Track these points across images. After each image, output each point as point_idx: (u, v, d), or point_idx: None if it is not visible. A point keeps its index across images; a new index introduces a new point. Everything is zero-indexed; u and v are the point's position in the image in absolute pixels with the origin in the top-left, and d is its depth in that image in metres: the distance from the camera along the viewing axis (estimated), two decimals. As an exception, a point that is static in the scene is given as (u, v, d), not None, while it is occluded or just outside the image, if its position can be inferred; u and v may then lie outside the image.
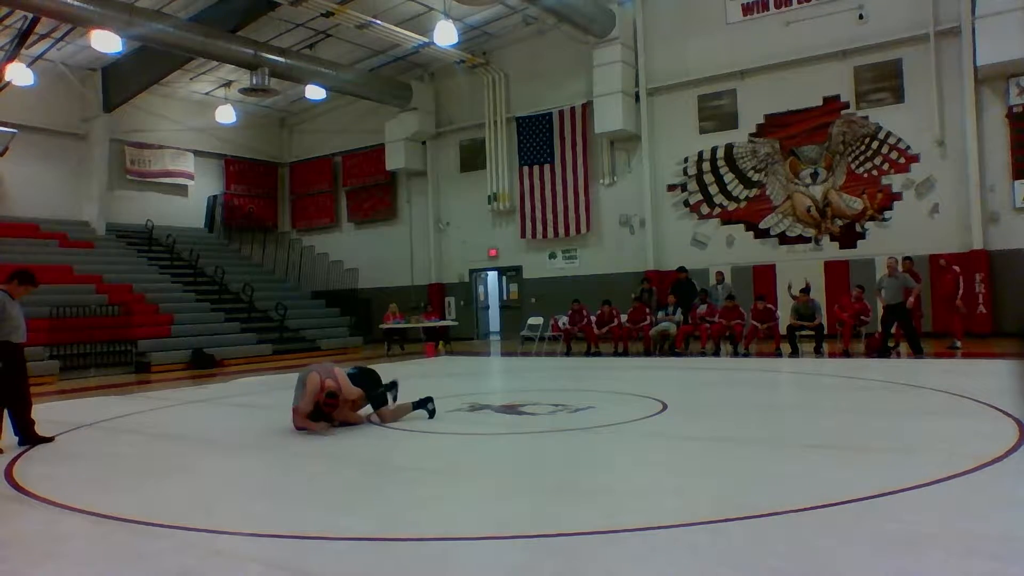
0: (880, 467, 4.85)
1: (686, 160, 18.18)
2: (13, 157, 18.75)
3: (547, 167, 19.91)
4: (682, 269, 16.33)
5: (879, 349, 12.38)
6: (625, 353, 14.88)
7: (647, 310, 15.34)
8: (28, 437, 6.90)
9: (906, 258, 12.96)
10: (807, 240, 16.75)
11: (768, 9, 16.97)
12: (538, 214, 20.09)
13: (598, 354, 15.11)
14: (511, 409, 8.18)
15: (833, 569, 3.21)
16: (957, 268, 13.08)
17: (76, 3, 14.24)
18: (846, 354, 12.60)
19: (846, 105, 16.21)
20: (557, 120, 19.68)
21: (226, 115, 22.17)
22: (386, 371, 14.22)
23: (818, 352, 13.06)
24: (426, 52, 20.09)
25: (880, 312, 13.00)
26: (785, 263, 16.47)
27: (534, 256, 20.59)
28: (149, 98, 21.22)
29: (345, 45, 19.86)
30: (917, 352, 12.03)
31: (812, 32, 16.37)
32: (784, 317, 14.01)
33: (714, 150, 17.85)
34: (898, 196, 15.73)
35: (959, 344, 12.60)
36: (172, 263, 20.43)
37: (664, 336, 14.83)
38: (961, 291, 12.80)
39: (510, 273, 21.52)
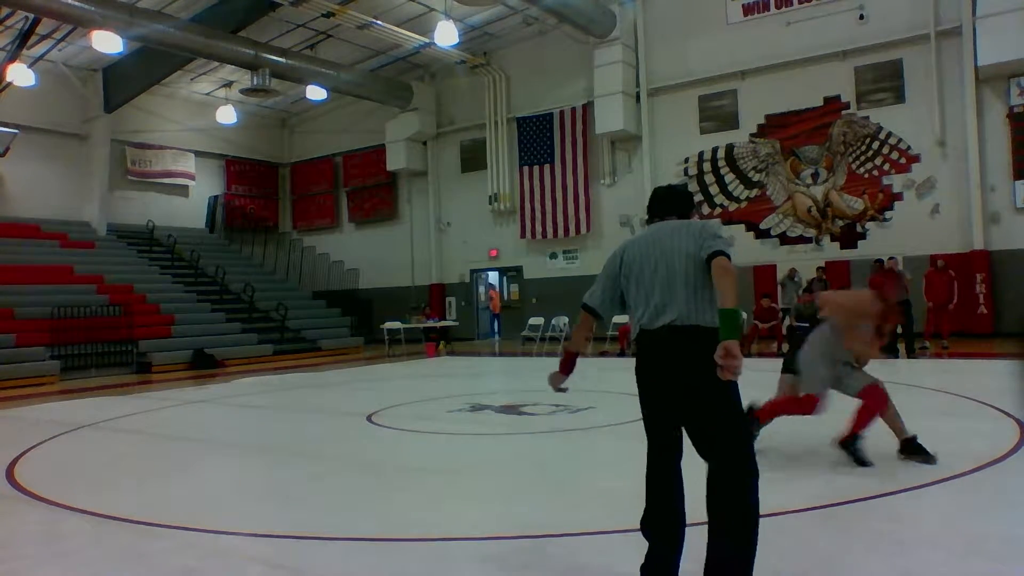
0: (880, 467, 4.84)
1: (687, 160, 18.17)
2: (14, 158, 18.77)
3: (548, 167, 19.90)
4: None
5: (884, 348, 12.40)
6: (623, 353, 14.86)
7: None
8: None
9: (891, 258, 13.30)
10: (808, 240, 16.74)
11: (769, 9, 16.96)
12: (538, 214, 20.08)
13: (605, 353, 15.11)
14: (511, 409, 8.19)
15: (833, 569, 3.22)
16: (952, 272, 13.13)
17: (77, 4, 14.24)
18: None
19: (847, 105, 16.20)
20: (558, 120, 19.67)
21: (227, 115, 22.19)
22: (386, 371, 14.27)
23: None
24: (427, 52, 20.09)
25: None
26: (786, 263, 16.44)
27: (535, 256, 20.58)
28: (150, 98, 21.23)
29: (346, 46, 19.86)
30: (911, 352, 12.15)
31: (813, 32, 16.35)
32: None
33: (715, 150, 17.84)
34: (899, 196, 15.72)
35: (947, 344, 12.73)
36: (173, 263, 20.43)
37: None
38: (955, 297, 12.94)
39: (511, 273, 21.53)
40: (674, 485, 2.96)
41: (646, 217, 3.32)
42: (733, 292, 2.70)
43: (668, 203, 3.16)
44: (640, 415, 3.09)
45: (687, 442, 3.00)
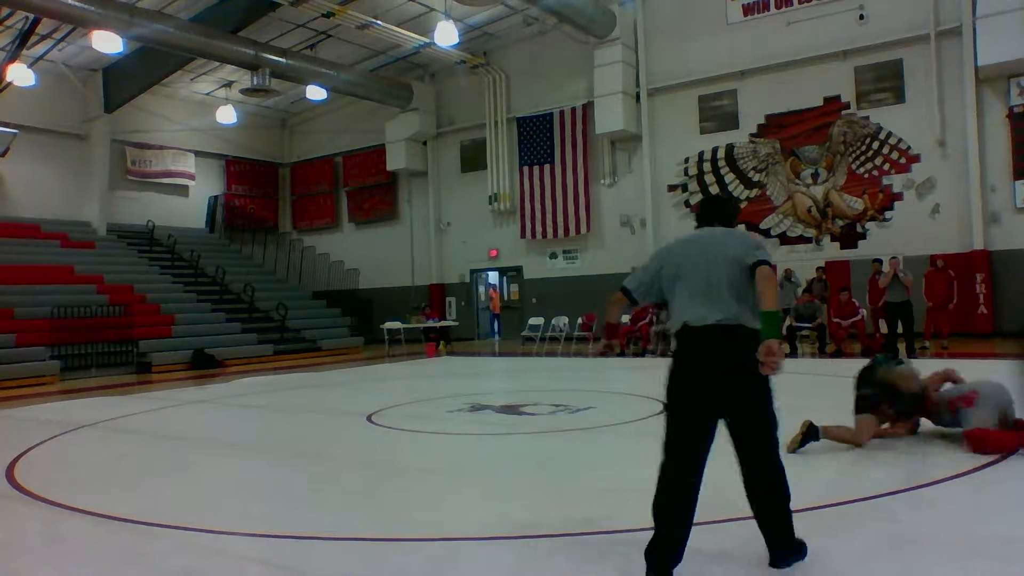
0: (880, 467, 4.84)
1: (687, 160, 18.17)
2: (14, 158, 18.78)
3: (548, 167, 19.89)
4: None
5: (884, 348, 12.40)
6: (623, 353, 14.85)
7: (651, 309, 15.28)
8: None
9: (893, 258, 13.31)
10: (808, 240, 16.74)
11: (769, 9, 16.95)
12: (538, 214, 20.08)
13: (605, 353, 15.06)
14: (512, 409, 8.17)
15: (833, 569, 3.21)
16: (952, 272, 13.14)
17: (77, 4, 14.23)
18: (839, 353, 12.71)
19: (847, 105, 16.19)
20: (558, 120, 19.67)
21: (227, 116, 22.19)
22: (386, 371, 14.27)
23: (821, 352, 13.10)
24: (427, 52, 20.09)
25: (869, 312, 13.42)
26: (786, 263, 16.42)
27: (535, 256, 20.58)
28: (150, 98, 21.23)
29: (346, 46, 19.86)
30: (911, 352, 12.12)
31: (813, 32, 16.35)
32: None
33: (715, 150, 17.83)
34: (899, 196, 15.72)
35: (947, 344, 12.74)
36: (173, 263, 20.43)
37: (663, 336, 14.81)
38: (955, 297, 12.97)
39: (511, 273, 21.53)
40: (696, 477, 3.09)
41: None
42: (774, 297, 3.02)
43: (715, 211, 3.50)
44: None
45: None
